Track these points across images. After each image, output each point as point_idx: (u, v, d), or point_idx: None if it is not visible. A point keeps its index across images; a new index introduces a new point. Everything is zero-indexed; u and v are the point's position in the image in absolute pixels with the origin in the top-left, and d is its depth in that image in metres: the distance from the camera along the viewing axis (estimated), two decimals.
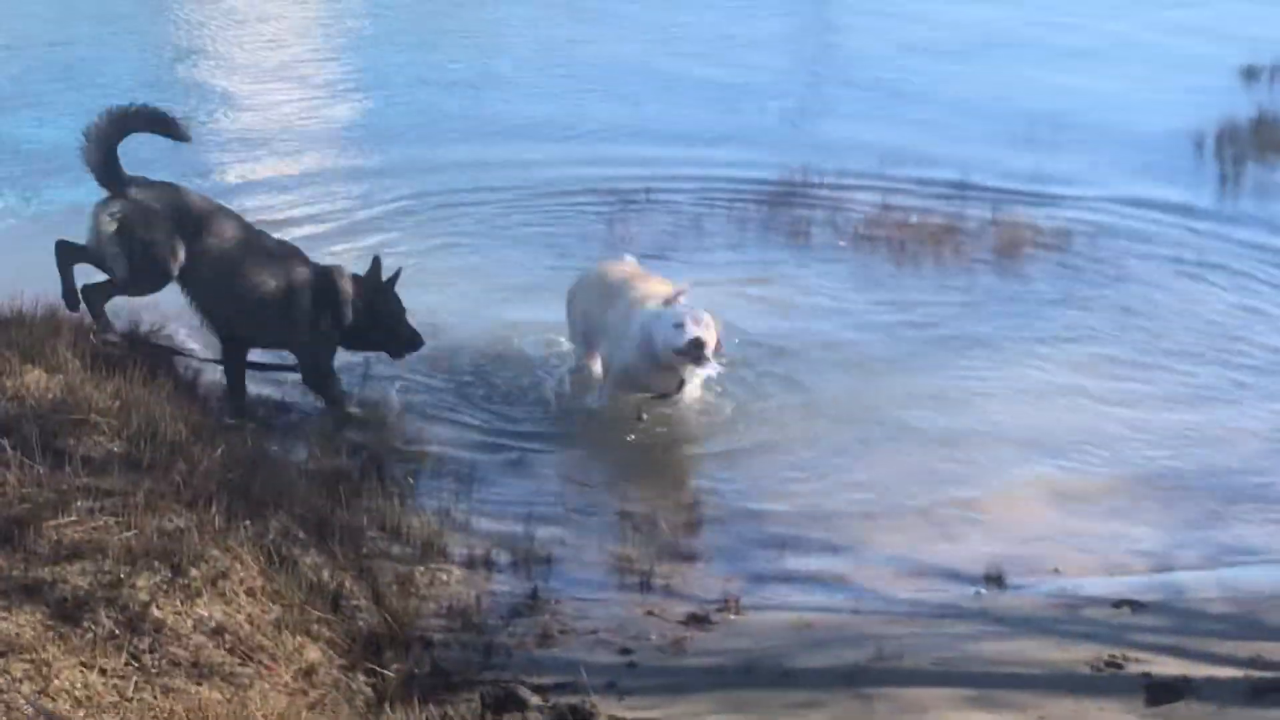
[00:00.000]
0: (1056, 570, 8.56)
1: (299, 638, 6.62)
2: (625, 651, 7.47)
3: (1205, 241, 14.18)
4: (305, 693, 6.15)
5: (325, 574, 7.24)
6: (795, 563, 8.54)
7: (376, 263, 10.16)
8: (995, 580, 8.39)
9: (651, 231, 14.09)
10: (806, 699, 6.89)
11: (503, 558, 8.44)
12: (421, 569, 8.17)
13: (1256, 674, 7.01)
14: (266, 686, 6.08)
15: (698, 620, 7.81)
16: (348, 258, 11.35)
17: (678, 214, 14.56)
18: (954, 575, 8.50)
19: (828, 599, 8.18)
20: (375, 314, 10.04)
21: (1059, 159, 16.56)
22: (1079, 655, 7.37)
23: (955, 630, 7.73)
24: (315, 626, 6.79)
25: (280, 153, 16.33)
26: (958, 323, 12.19)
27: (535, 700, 6.70)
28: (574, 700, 6.68)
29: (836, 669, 7.19)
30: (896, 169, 16.00)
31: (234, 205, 12.04)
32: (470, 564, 8.32)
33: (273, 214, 13.56)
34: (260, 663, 6.25)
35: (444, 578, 8.19)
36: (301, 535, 7.46)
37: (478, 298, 11.93)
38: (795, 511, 9.09)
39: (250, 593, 6.67)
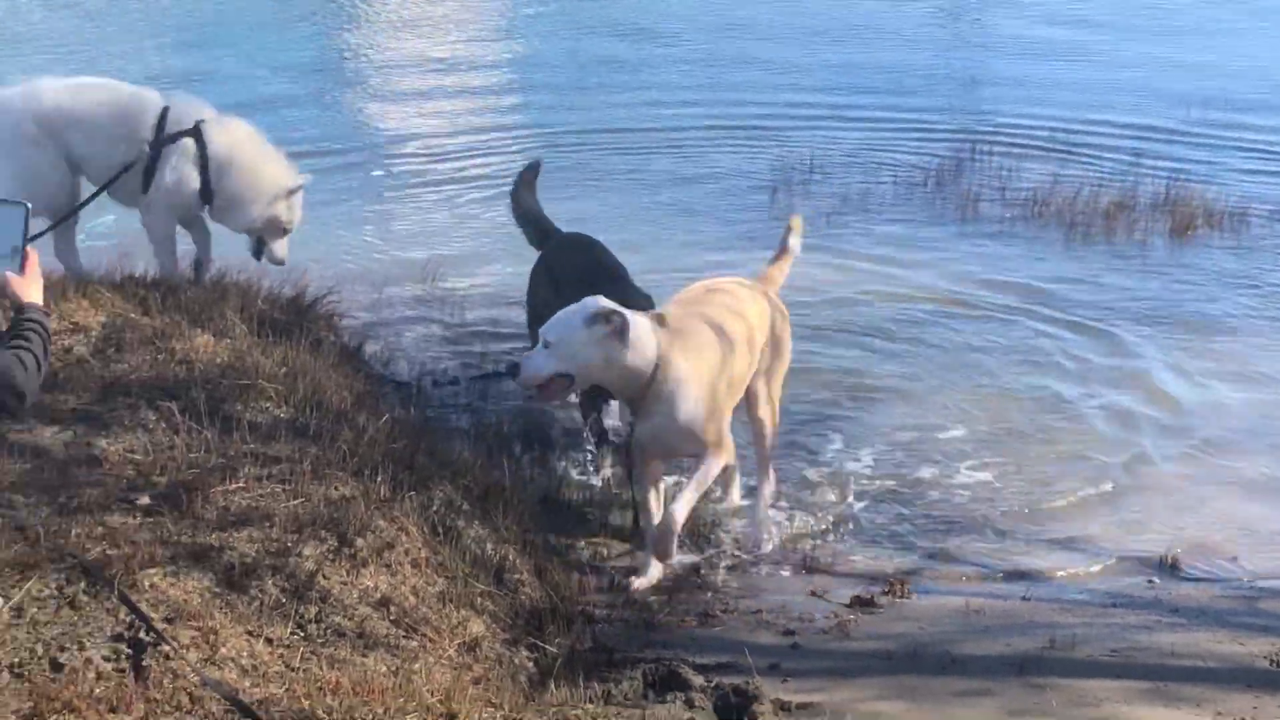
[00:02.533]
0: (1234, 559, 8.33)
1: (463, 611, 6.58)
2: (788, 633, 7.38)
3: None
4: (470, 667, 6.10)
5: (489, 547, 7.20)
6: (963, 546, 8.37)
7: None
8: (1170, 568, 8.18)
9: (816, 203, 13.93)
10: (976, 687, 6.77)
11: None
12: (583, 543, 8.13)
13: None
14: (431, 660, 6.03)
15: (863, 603, 7.68)
16: None
17: (844, 185, 14.37)
18: (1127, 562, 8.27)
19: (996, 584, 8.00)
20: None
21: (1233, 134, 16.22)
22: (1257, 649, 7.20)
23: (1128, 620, 7.56)
24: (479, 600, 6.75)
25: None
26: (1130, 302, 11.92)
27: (698, 680, 6.61)
28: (737, 681, 6.58)
29: (1007, 657, 7.05)
30: (1067, 142, 15.79)
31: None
32: (632, 539, 8.25)
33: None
34: (424, 635, 6.21)
35: (605, 552, 8.15)
36: (465, 507, 7.41)
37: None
38: (964, 494, 8.90)
39: (415, 564, 6.64)
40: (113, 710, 5.07)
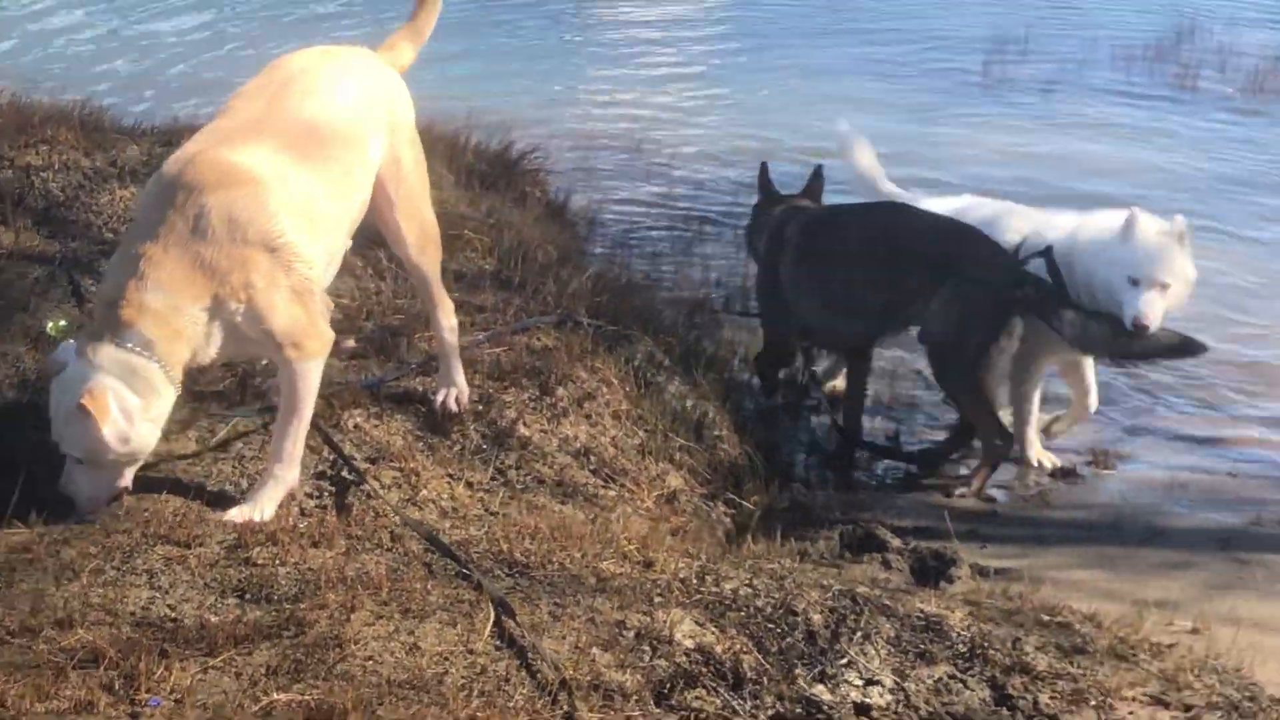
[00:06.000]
0: None
1: (661, 464, 6.60)
2: (988, 500, 7.32)
3: None
4: (667, 518, 6.12)
5: (689, 403, 7.19)
6: (1169, 420, 8.20)
7: None
8: None
9: (1031, 74, 13.72)
10: (1177, 559, 6.68)
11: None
12: (785, 403, 8.10)
13: None
14: (628, 510, 6.06)
15: (1065, 473, 7.60)
16: None
17: (1061, 58, 14.13)
18: None
19: (1203, 459, 7.81)
20: None
21: None
22: None
23: None
24: (677, 454, 6.76)
25: None
26: None
27: (895, 542, 6.58)
28: (935, 545, 6.54)
29: (1210, 531, 6.95)
30: None
31: None
32: (831, 401, 8.20)
33: None
34: (623, 486, 6.24)
35: (804, 413, 8.12)
36: (667, 363, 7.40)
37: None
38: (1170, 366, 8.70)
39: (615, 416, 6.66)
40: (315, 545, 5.13)
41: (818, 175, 8.22)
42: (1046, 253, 7.39)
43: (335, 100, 5.61)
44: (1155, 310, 7.02)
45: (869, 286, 7.51)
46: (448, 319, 6.22)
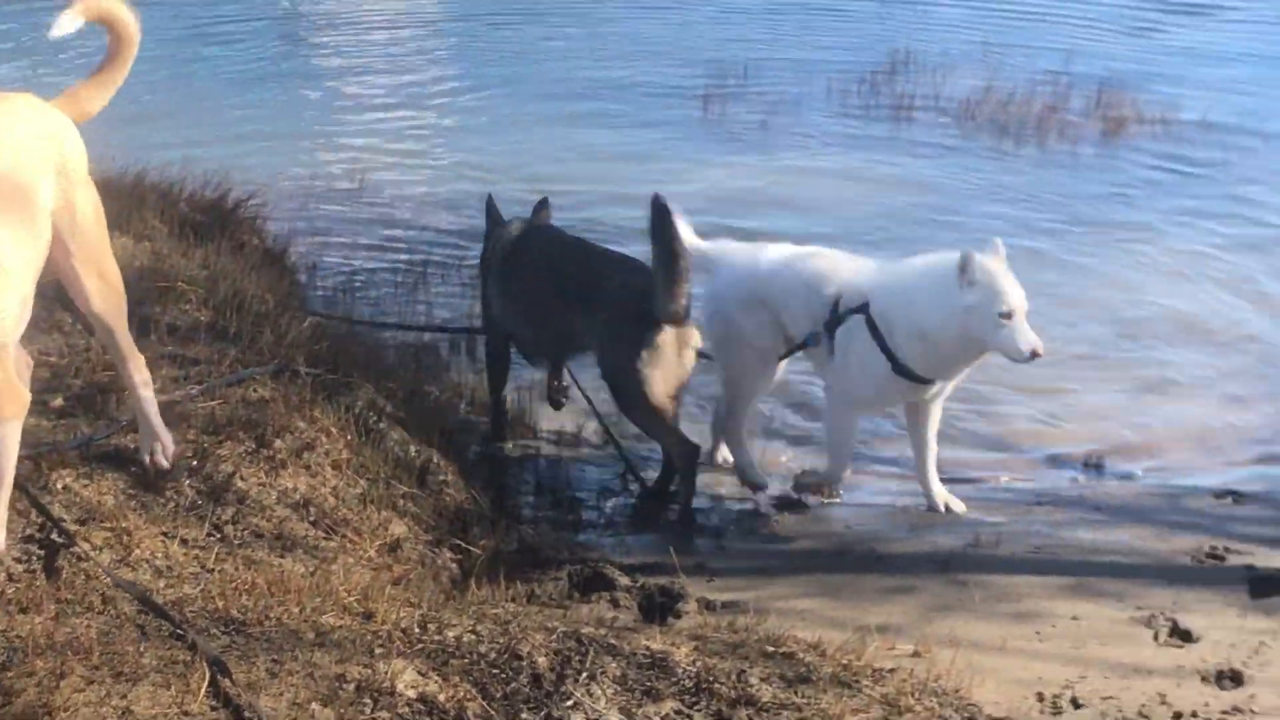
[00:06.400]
0: (1158, 458, 8.33)
1: (384, 512, 6.51)
2: (716, 534, 7.37)
3: None
4: (390, 568, 6.04)
5: (412, 449, 7.13)
6: (890, 448, 8.34)
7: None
8: (1095, 467, 8.21)
9: (750, 106, 13.93)
10: (899, 584, 6.77)
11: (593, 436, 8.32)
12: (511, 445, 8.08)
13: None
14: (350, 561, 5.97)
15: (790, 503, 7.67)
16: None
17: (778, 90, 14.36)
18: (1052, 461, 8.33)
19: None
20: None
21: (1167, 43, 16.33)
22: (1180, 545, 7.21)
23: (1053, 518, 7.57)
24: (401, 501, 6.68)
25: None
26: (1062, 204, 11.95)
27: (623, 580, 6.61)
28: (663, 581, 6.57)
29: (931, 555, 7.07)
30: (1000, 51, 15.86)
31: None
32: (560, 442, 8.23)
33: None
34: (344, 536, 6.15)
35: (533, 455, 8.10)
36: (389, 409, 7.33)
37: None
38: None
39: (336, 466, 6.56)
40: (23, 611, 4.97)
41: (543, 205, 8.29)
42: (864, 309, 7.24)
43: (3, 145, 5.26)
44: (1033, 333, 6.91)
45: (540, 308, 7.79)
46: (139, 373, 5.97)
